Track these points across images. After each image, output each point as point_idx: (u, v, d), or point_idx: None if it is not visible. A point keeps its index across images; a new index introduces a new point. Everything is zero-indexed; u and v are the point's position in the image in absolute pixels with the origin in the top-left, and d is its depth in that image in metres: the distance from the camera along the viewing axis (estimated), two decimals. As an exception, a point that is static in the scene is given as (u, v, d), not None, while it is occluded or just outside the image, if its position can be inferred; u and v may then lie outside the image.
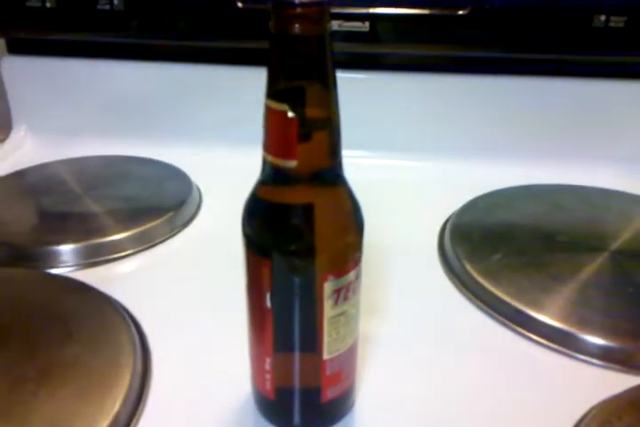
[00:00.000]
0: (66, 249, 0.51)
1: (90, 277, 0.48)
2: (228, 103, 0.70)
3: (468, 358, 0.42)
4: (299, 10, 0.25)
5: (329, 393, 0.34)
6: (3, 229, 0.54)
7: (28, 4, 0.66)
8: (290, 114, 0.27)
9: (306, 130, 0.27)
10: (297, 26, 0.25)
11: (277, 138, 0.28)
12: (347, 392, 0.35)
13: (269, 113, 0.28)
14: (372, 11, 0.63)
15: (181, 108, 0.72)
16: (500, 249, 0.52)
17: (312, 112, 0.27)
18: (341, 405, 0.36)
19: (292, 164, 0.28)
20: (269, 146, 0.28)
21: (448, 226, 0.56)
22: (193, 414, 0.37)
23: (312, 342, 0.31)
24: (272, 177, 0.29)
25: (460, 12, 0.62)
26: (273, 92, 0.27)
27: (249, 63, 0.68)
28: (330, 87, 0.27)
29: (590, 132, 0.68)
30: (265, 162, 0.29)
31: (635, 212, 0.59)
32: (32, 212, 0.58)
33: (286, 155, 0.28)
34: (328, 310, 0.30)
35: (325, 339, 0.31)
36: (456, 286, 0.49)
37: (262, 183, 0.30)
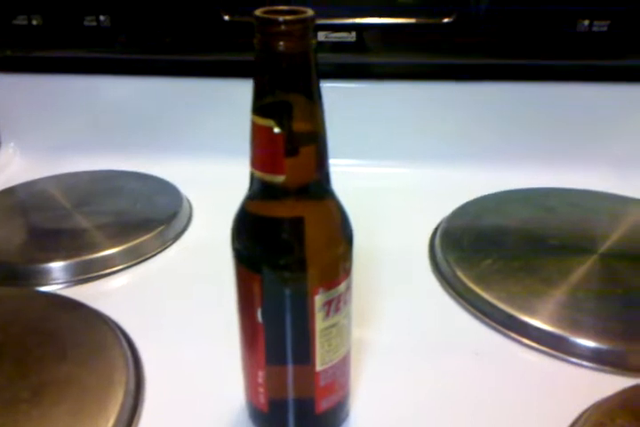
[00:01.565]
0: (56, 266, 0.51)
1: (81, 293, 0.48)
2: (217, 115, 0.71)
3: (461, 363, 0.42)
4: (283, 27, 0.25)
5: (323, 404, 0.34)
6: (-7, 247, 0.54)
7: (14, 21, 0.66)
8: (276, 129, 0.27)
9: (292, 145, 0.28)
10: (281, 43, 0.26)
11: (264, 153, 0.28)
12: (341, 402, 0.35)
13: (255, 129, 0.28)
14: (357, 21, 0.64)
15: (169, 121, 0.72)
16: (491, 254, 0.52)
17: (298, 127, 0.28)
18: (336, 415, 0.36)
19: (280, 178, 0.28)
20: (256, 161, 0.29)
21: (438, 232, 0.57)
22: (188, 429, 0.37)
23: (304, 354, 0.32)
24: (260, 192, 0.29)
25: (446, 20, 0.63)
26: (258, 108, 0.27)
27: (236, 76, 0.68)
28: (315, 102, 0.28)
29: (578, 135, 0.69)
30: (252, 177, 0.29)
31: (623, 214, 0.59)
32: (22, 229, 0.58)
33: (273, 170, 0.28)
34: (319, 322, 0.31)
35: (318, 351, 0.31)
36: (447, 292, 0.50)
37: (250, 198, 0.30)
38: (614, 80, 0.67)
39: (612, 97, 0.67)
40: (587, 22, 0.62)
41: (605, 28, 0.62)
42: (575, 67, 0.68)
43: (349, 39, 0.64)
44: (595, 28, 0.62)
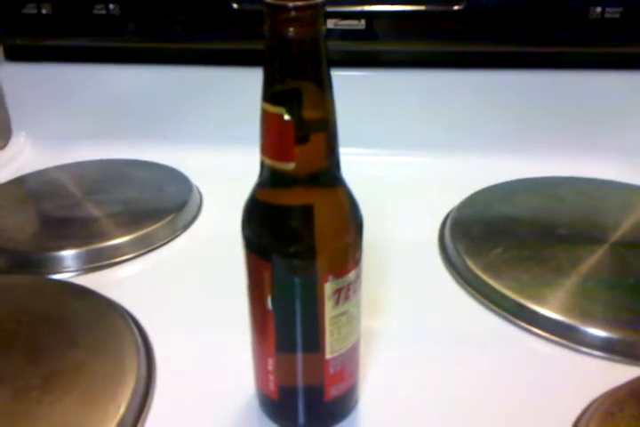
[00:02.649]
0: (68, 254, 0.51)
1: (92, 281, 0.48)
2: (227, 104, 0.71)
3: (471, 353, 0.42)
4: (292, 13, 0.25)
5: (332, 392, 0.34)
6: (4, 235, 0.54)
7: (24, 10, 0.66)
8: (286, 117, 0.27)
9: (303, 132, 0.28)
10: (291, 29, 0.26)
11: (274, 141, 0.28)
12: (350, 390, 0.36)
13: (266, 116, 0.28)
14: (367, 8, 0.63)
15: (179, 110, 0.72)
16: (501, 243, 0.52)
17: (308, 114, 0.27)
18: (345, 403, 0.36)
19: (290, 166, 0.28)
20: (267, 149, 0.29)
21: (448, 221, 0.57)
22: (197, 417, 0.37)
23: (314, 342, 0.32)
24: (270, 179, 0.29)
25: (456, 8, 0.62)
26: (269, 96, 0.27)
27: (245, 64, 0.68)
28: (325, 89, 0.28)
29: (589, 123, 0.68)
30: (263, 164, 0.29)
31: (634, 203, 0.59)
32: (33, 218, 0.58)
33: (284, 157, 0.28)
34: (329, 310, 0.31)
35: (327, 339, 0.32)
36: (457, 282, 0.50)
37: (260, 186, 0.30)
38: (627, 68, 0.67)
39: (624, 85, 0.67)
40: (599, 9, 0.61)
41: (618, 15, 0.61)
42: (587, 54, 0.67)
43: (359, 27, 0.64)
44: (607, 15, 0.61)
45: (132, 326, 0.43)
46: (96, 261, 0.52)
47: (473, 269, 0.49)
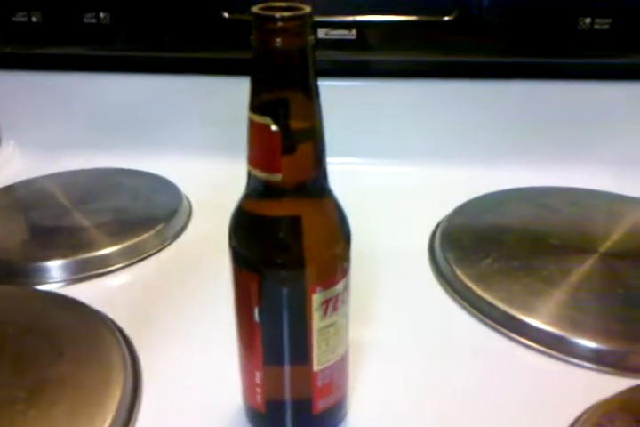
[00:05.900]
0: (55, 265, 0.51)
1: (80, 292, 0.48)
2: (217, 113, 0.70)
3: (460, 363, 0.42)
4: (279, 24, 0.25)
5: (320, 405, 0.34)
6: (-9, 245, 0.54)
7: (14, 18, 0.66)
8: (273, 127, 0.27)
9: (290, 143, 0.27)
10: (278, 40, 0.26)
11: (261, 151, 0.28)
12: (338, 403, 0.35)
13: (252, 126, 0.28)
14: (358, 18, 0.63)
15: (169, 119, 0.72)
16: (491, 253, 0.52)
17: (295, 125, 0.27)
18: (333, 416, 0.36)
19: (277, 177, 0.28)
20: (253, 159, 0.29)
21: (438, 231, 0.57)
22: (185, 430, 0.37)
23: (302, 354, 0.31)
24: (257, 190, 0.29)
25: (447, 18, 0.63)
26: (256, 106, 0.27)
27: (236, 73, 0.68)
28: (313, 99, 0.27)
29: (578, 134, 0.69)
30: (249, 175, 0.29)
31: (624, 213, 0.59)
32: (21, 227, 0.58)
33: (271, 168, 0.28)
34: (317, 321, 0.30)
35: (315, 351, 0.31)
36: (447, 292, 0.50)
37: (248, 196, 0.30)
38: (615, 78, 0.67)
39: (614, 95, 0.67)
40: (588, 20, 0.61)
41: (607, 26, 0.61)
42: (576, 65, 0.67)
43: (350, 37, 0.64)
44: (596, 26, 0.61)
45: (119, 337, 0.42)
46: (84, 272, 0.51)
47: (463, 279, 0.49)
